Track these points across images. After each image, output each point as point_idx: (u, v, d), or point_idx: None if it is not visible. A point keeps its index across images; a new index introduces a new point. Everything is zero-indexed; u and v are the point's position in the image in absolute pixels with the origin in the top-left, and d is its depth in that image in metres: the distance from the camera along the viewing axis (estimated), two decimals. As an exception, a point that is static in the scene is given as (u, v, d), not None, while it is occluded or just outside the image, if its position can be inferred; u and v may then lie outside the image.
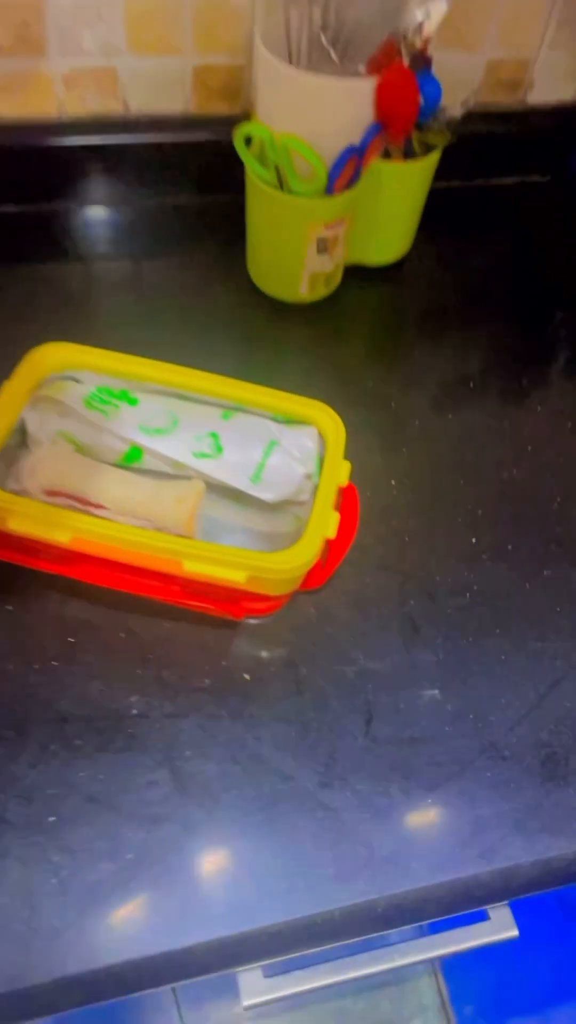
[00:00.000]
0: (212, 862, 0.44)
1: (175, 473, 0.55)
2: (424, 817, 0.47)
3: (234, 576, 0.48)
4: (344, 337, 0.71)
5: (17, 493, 0.50)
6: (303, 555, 0.49)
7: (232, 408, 0.57)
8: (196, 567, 0.48)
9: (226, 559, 0.48)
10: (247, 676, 0.51)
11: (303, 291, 0.70)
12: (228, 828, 0.45)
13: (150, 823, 0.45)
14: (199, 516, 0.53)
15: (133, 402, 0.56)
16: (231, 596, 0.52)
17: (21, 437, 0.55)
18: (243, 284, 0.72)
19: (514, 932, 0.54)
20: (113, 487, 0.52)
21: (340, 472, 0.54)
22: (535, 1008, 1.03)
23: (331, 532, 0.51)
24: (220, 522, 0.56)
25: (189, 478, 0.54)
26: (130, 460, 0.55)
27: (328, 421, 0.56)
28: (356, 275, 0.74)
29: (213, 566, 0.49)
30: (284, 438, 0.55)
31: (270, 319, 0.71)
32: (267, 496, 0.54)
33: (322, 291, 0.71)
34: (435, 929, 0.54)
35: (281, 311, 0.71)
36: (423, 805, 0.47)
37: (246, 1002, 0.51)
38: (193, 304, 0.71)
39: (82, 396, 0.54)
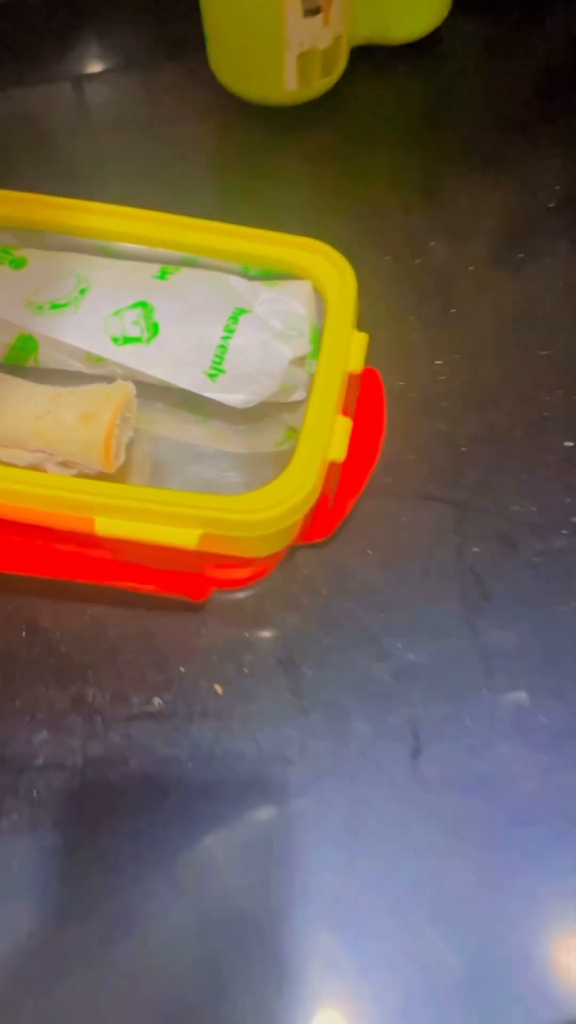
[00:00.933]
0: None
1: (91, 372, 0.35)
2: (515, 921, 0.28)
3: (178, 537, 0.29)
4: (355, 151, 0.48)
5: None
6: (291, 492, 0.29)
7: (175, 263, 0.36)
8: (114, 527, 0.29)
9: (162, 509, 0.29)
10: (219, 688, 0.32)
11: (290, 84, 0.47)
12: (183, 987, 0.28)
13: (55, 981, 0.28)
14: (127, 440, 0.33)
15: (18, 263, 0.35)
16: (188, 563, 0.33)
17: None
18: (208, 87, 0.50)
19: None
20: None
21: (350, 351, 0.33)
22: None
23: (337, 451, 0.31)
24: (175, 445, 0.36)
25: (112, 379, 0.34)
26: (19, 356, 0.35)
27: (329, 270, 0.35)
28: (369, 58, 0.51)
29: (141, 523, 0.29)
30: (258, 302, 0.35)
31: (247, 132, 0.49)
32: (235, 398, 0.33)
33: (319, 82, 0.48)
34: None
35: (262, 119, 0.49)
36: (512, 897, 0.29)
37: None
38: (141, 126, 0.49)
39: None
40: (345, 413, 0.32)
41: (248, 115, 0.49)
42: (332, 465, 0.31)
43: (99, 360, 0.34)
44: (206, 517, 0.29)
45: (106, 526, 0.29)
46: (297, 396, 0.35)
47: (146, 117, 0.50)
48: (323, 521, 0.34)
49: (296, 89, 0.47)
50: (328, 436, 0.31)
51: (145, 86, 0.52)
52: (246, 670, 0.32)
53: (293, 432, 0.35)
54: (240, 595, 0.34)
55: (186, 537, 0.29)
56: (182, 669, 0.32)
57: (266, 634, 0.33)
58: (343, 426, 0.31)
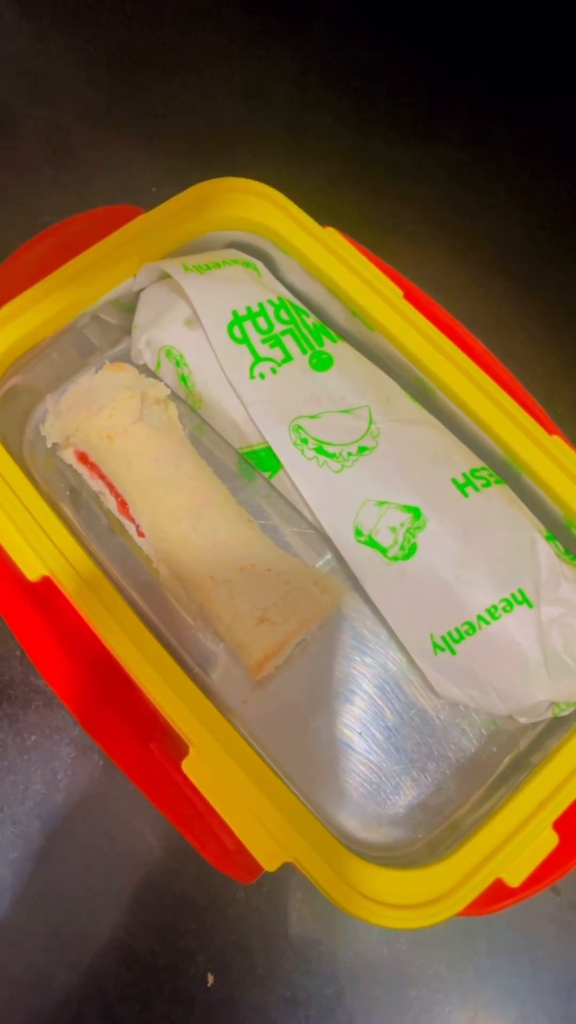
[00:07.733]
0: None
1: (312, 523, 0.27)
2: None
3: (261, 851, 0.22)
4: None
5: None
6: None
7: (495, 466, 0.26)
8: (201, 777, 0.22)
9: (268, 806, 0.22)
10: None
11: None
12: None
13: None
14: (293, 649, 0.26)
15: (323, 362, 0.27)
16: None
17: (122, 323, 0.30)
18: None
19: None
20: (189, 507, 0.26)
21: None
22: None
23: (513, 875, 0.22)
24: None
25: (320, 569, 0.26)
26: (260, 460, 0.28)
27: None
28: None
29: (233, 805, 0.22)
30: (554, 596, 0.24)
31: None
32: (445, 688, 0.25)
33: None
34: None
35: None
36: None
37: None
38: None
39: (239, 305, 0.27)
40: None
41: None
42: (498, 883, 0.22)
43: (327, 539, 0.26)
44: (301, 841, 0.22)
45: (194, 768, 0.23)
46: (524, 742, 0.25)
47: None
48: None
49: None
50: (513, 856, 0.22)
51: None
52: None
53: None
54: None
55: (267, 853, 0.22)
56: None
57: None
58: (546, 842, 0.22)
